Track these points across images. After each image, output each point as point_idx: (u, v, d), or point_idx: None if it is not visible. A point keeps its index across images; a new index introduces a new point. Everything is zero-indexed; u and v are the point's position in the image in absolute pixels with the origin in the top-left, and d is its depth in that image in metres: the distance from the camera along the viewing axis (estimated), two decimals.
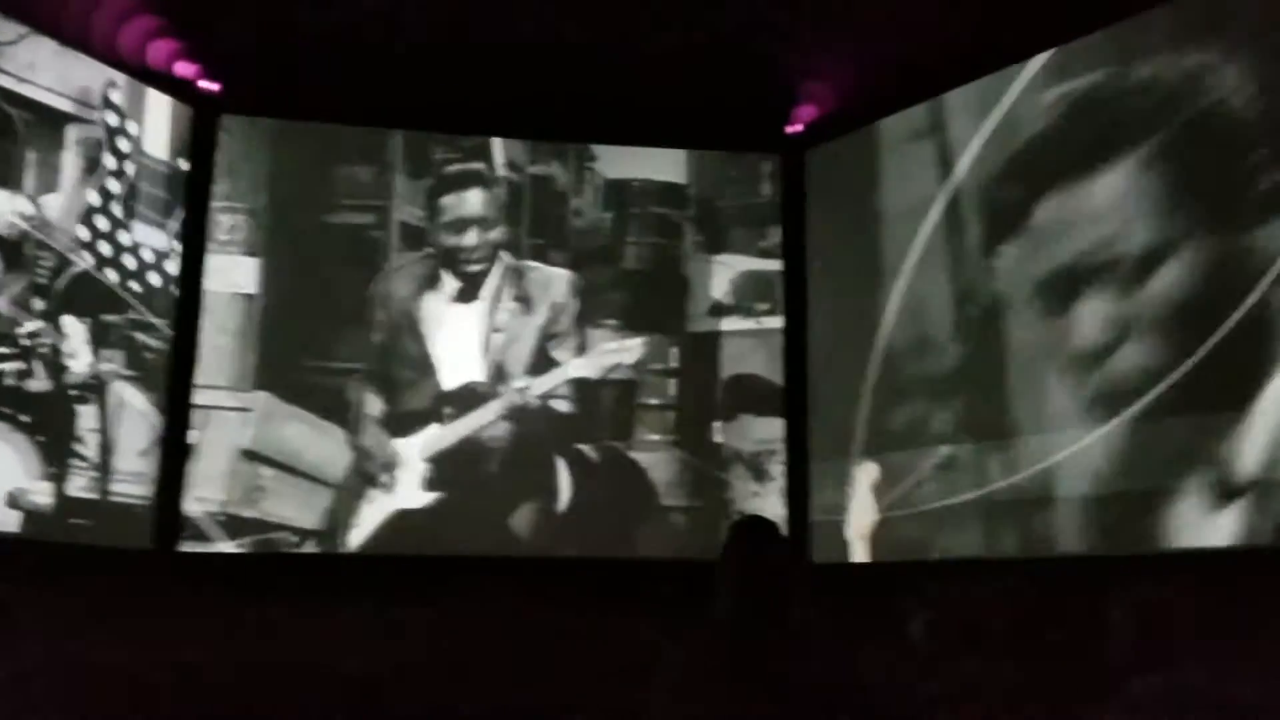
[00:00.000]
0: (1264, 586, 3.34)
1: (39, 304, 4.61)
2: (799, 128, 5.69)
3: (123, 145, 4.98)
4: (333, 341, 5.40)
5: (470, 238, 5.56)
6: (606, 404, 5.56)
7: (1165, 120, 4.17)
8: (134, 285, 4.99)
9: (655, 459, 5.52)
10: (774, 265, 5.70)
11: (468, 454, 5.40)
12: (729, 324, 5.67)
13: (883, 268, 5.22)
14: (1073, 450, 4.33)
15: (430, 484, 5.34)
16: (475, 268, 5.55)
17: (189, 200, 5.25)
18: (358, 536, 5.26)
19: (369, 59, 5.21)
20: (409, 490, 5.33)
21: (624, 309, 5.64)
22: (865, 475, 5.16)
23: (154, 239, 5.11)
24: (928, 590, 4.44)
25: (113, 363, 4.88)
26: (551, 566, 5.31)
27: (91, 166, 4.86)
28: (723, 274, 5.72)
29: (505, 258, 5.59)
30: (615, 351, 5.53)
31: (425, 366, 5.45)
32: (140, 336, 5.00)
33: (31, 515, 4.51)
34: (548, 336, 5.55)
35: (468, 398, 5.44)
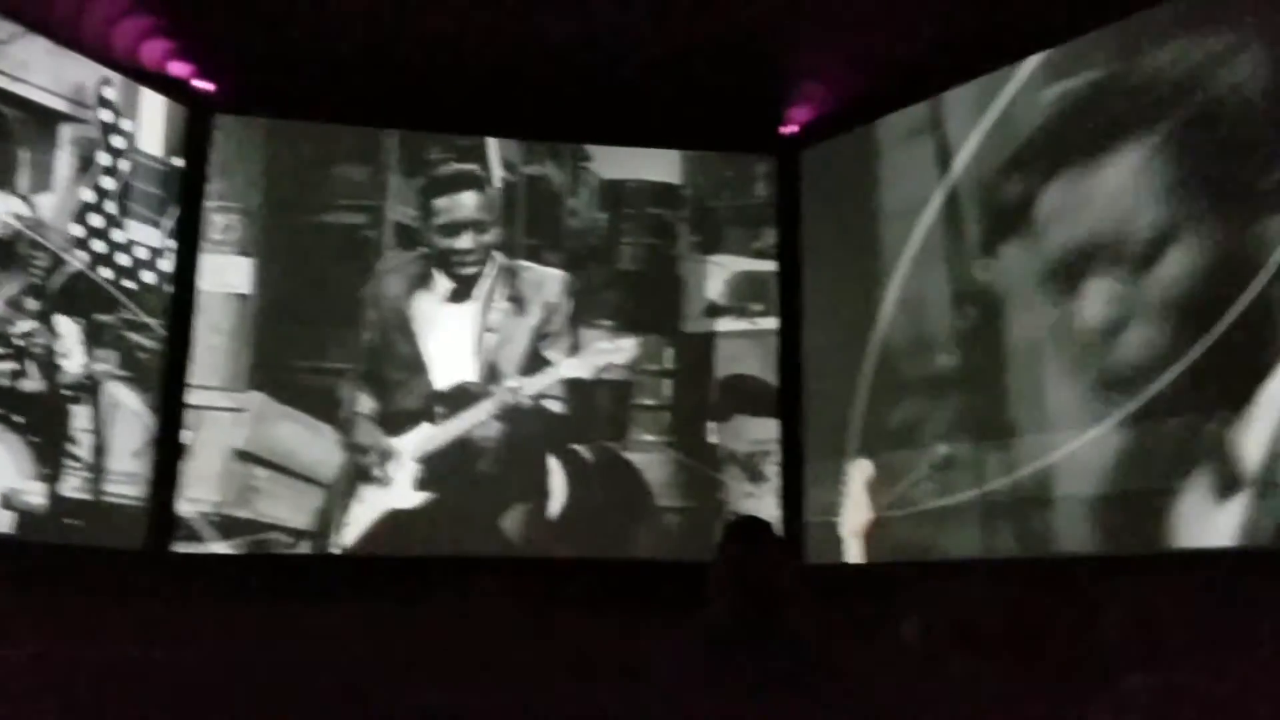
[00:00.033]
0: (1261, 587, 3.35)
1: (33, 304, 4.60)
2: (794, 129, 5.69)
3: (117, 142, 4.97)
4: (326, 342, 5.40)
5: (464, 241, 5.55)
6: (601, 404, 5.55)
7: (1167, 114, 4.16)
8: (128, 283, 4.99)
9: (650, 459, 5.52)
10: (769, 266, 5.70)
11: (461, 454, 5.39)
12: (724, 325, 5.67)
13: (878, 267, 5.23)
14: (1070, 449, 4.33)
15: (423, 484, 5.34)
16: (469, 270, 5.54)
17: (183, 200, 5.25)
18: (350, 536, 5.26)
19: (362, 59, 5.20)
20: (402, 490, 5.32)
21: (619, 309, 5.63)
22: (860, 473, 5.17)
23: (148, 236, 5.10)
24: (923, 591, 4.44)
25: (106, 363, 4.87)
26: (545, 567, 5.31)
27: (85, 165, 4.85)
28: (718, 275, 5.72)
29: (499, 258, 5.59)
30: (608, 351, 5.53)
31: (418, 366, 5.44)
32: (134, 336, 4.99)
33: (25, 515, 4.50)
34: (541, 336, 5.55)
35: (460, 397, 5.44)
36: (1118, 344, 4.21)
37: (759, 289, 5.69)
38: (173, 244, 5.19)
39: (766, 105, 5.63)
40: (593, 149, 5.74)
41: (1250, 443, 3.74)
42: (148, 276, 5.08)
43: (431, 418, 5.40)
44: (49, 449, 4.63)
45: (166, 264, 5.16)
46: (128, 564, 4.85)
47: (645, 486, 5.49)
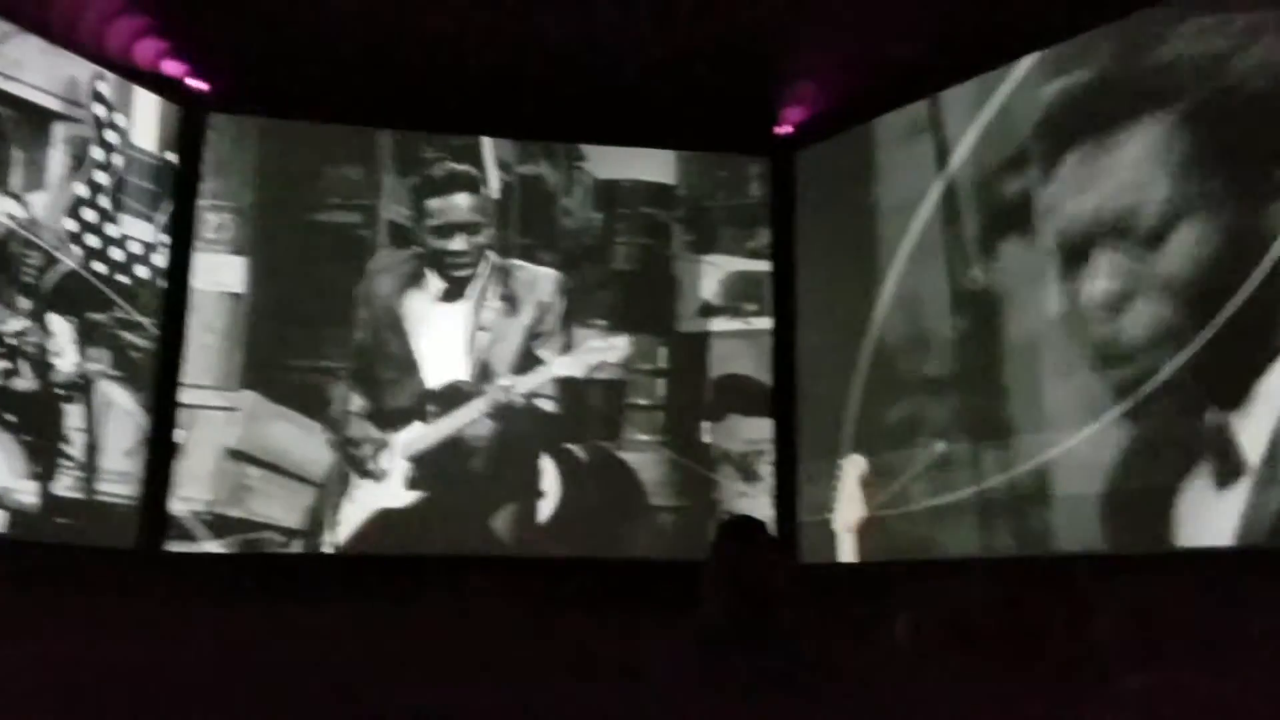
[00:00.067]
0: (1258, 586, 3.36)
1: (25, 303, 4.59)
2: (788, 129, 5.70)
3: (111, 138, 4.96)
4: (319, 341, 5.39)
5: (457, 243, 5.55)
6: (595, 404, 5.55)
7: (1175, 101, 4.16)
8: (121, 278, 4.98)
9: (644, 459, 5.52)
10: (763, 266, 5.70)
11: (454, 453, 5.39)
12: (718, 324, 5.67)
13: (873, 266, 5.23)
14: (1066, 447, 4.34)
15: (416, 483, 5.33)
16: (461, 273, 5.54)
17: (176, 199, 5.24)
18: (343, 535, 5.25)
19: (357, 58, 5.19)
20: (394, 489, 5.32)
21: (613, 309, 5.63)
22: (853, 468, 5.17)
23: (142, 231, 5.09)
24: (917, 590, 4.45)
25: (99, 362, 4.86)
26: (539, 566, 5.30)
27: (78, 164, 4.84)
28: (712, 274, 5.72)
29: (492, 257, 5.59)
30: (600, 350, 5.52)
31: (410, 365, 5.44)
32: (127, 335, 4.98)
33: (17, 515, 4.49)
34: (534, 336, 5.54)
35: (452, 396, 5.43)
36: (1114, 340, 4.22)
37: (753, 289, 5.70)
38: (166, 239, 5.18)
39: (761, 106, 5.63)
40: (587, 149, 5.74)
41: (1249, 438, 3.74)
42: (141, 271, 5.07)
43: (424, 416, 5.40)
44: (42, 448, 4.62)
45: (160, 259, 5.16)
46: (120, 563, 4.84)
47: (639, 486, 5.49)
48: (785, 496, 5.45)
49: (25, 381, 4.57)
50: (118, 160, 4.99)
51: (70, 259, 4.76)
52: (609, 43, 5.15)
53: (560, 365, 5.51)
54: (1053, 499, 4.39)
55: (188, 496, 5.09)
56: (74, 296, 4.77)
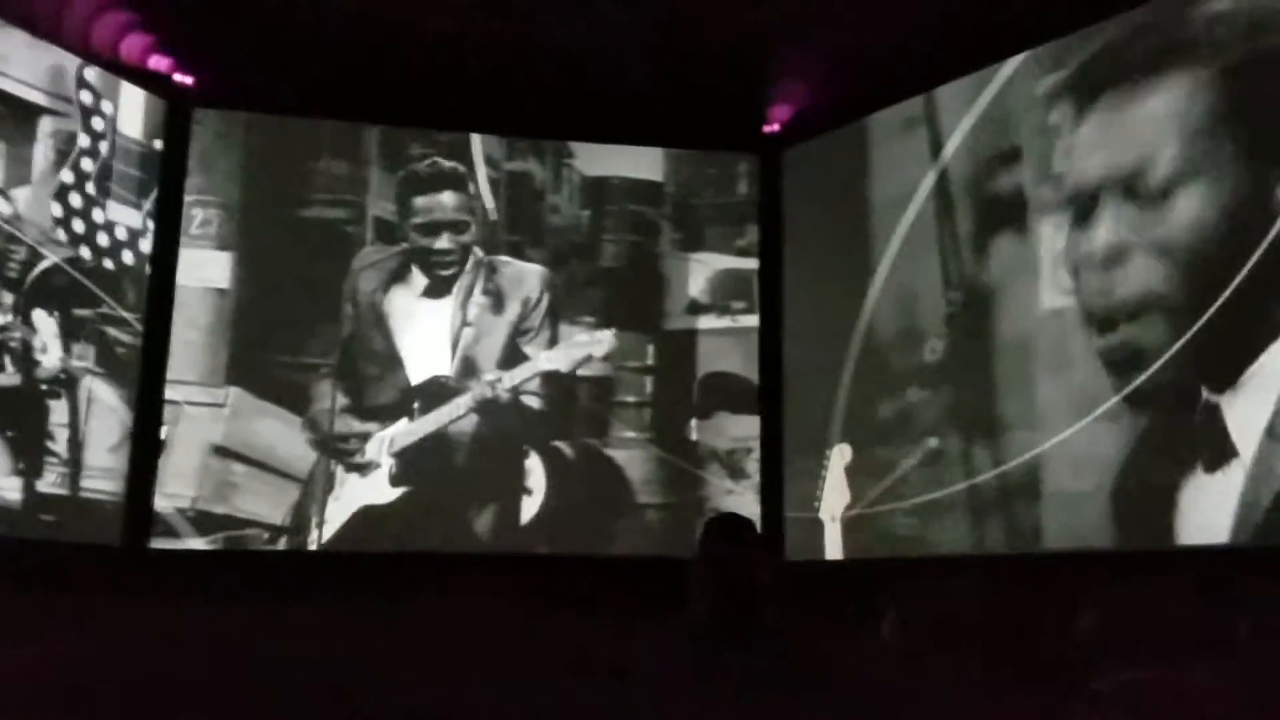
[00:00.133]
0: (1249, 585, 3.37)
1: (8, 298, 4.56)
2: (775, 127, 5.70)
3: (97, 124, 4.93)
4: (304, 337, 5.37)
5: (442, 241, 5.53)
6: (582, 401, 5.55)
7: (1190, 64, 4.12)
8: (107, 263, 4.95)
9: (631, 456, 5.51)
10: (750, 264, 5.70)
11: (440, 449, 5.38)
12: (705, 322, 5.67)
13: (861, 263, 5.23)
14: (1056, 443, 4.34)
15: (401, 479, 5.32)
16: (447, 271, 5.52)
17: (162, 193, 5.21)
18: (328, 532, 5.24)
19: (344, 53, 5.18)
20: (380, 486, 5.30)
21: (600, 306, 5.63)
22: (839, 457, 5.18)
23: (128, 218, 5.06)
24: (903, 587, 4.46)
25: (83, 358, 4.83)
26: (527, 564, 5.30)
27: (62, 158, 4.81)
28: (699, 272, 5.72)
29: (478, 252, 5.57)
30: (585, 344, 5.51)
31: (395, 361, 5.43)
32: (111, 331, 4.96)
33: (1, 512, 4.46)
34: (520, 332, 5.53)
35: (438, 392, 5.42)
36: (1109, 337, 4.22)
37: (741, 287, 5.70)
38: (152, 226, 5.15)
39: (749, 104, 5.63)
40: (576, 146, 5.73)
41: (1244, 430, 3.74)
42: (127, 257, 5.04)
43: (409, 413, 5.39)
44: (25, 444, 4.59)
45: (147, 245, 5.13)
46: (105, 560, 4.81)
47: (626, 483, 5.49)
48: (772, 494, 5.45)
49: (8, 377, 4.54)
50: (104, 147, 4.96)
51: (54, 254, 4.73)
52: (597, 41, 5.14)
53: (546, 360, 5.50)
54: (1044, 495, 4.40)
55: (172, 493, 5.07)
56: (58, 292, 4.74)
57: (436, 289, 5.51)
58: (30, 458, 4.60)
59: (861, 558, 5.06)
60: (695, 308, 5.69)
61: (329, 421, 5.31)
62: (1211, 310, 3.87)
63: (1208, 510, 3.82)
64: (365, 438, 5.33)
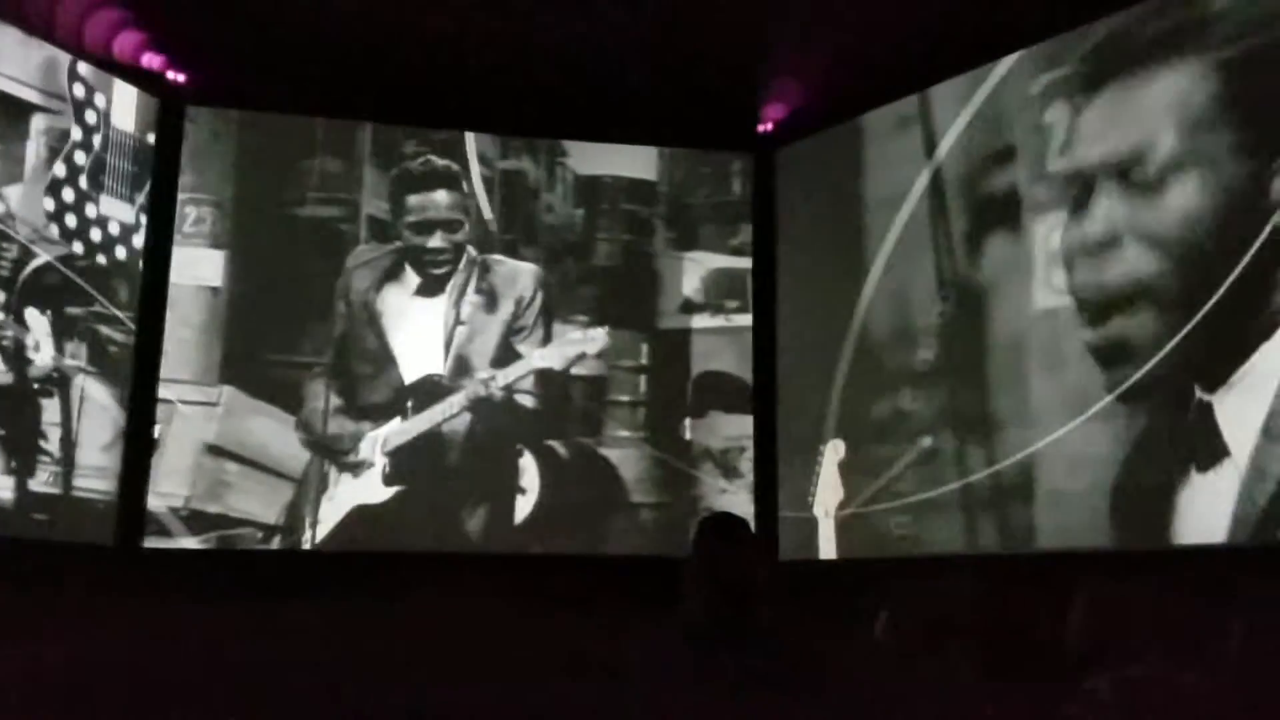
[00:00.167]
0: (1244, 583, 3.37)
1: (1, 297, 4.55)
2: (769, 126, 5.70)
3: (90, 118, 4.92)
4: (298, 336, 5.36)
5: (436, 240, 5.52)
6: (576, 400, 5.55)
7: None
8: (101, 258, 4.93)
9: (625, 455, 5.51)
10: (744, 263, 5.70)
11: (433, 448, 5.37)
12: (699, 321, 5.67)
13: (855, 262, 5.24)
14: (1051, 442, 4.34)
15: (395, 478, 5.32)
16: (440, 270, 5.52)
17: (154, 190, 5.20)
18: (322, 532, 5.23)
19: (338, 51, 5.17)
20: (373, 485, 5.30)
21: (594, 305, 5.63)
22: (833, 453, 5.19)
23: (121, 212, 5.04)
24: (897, 586, 4.46)
25: (76, 356, 4.82)
26: (522, 563, 5.30)
27: (54, 156, 4.79)
28: (693, 271, 5.72)
29: (471, 251, 5.57)
30: (579, 342, 5.51)
31: (388, 360, 5.42)
32: (104, 330, 4.95)
33: None
34: (513, 331, 5.53)
35: (431, 390, 5.41)
36: (1102, 331, 4.22)
37: (734, 286, 5.70)
38: (145, 220, 5.14)
39: (743, 103, 5.63)
40: (569, 145, 5.73)
41: (1238, 430, 3.75)
42: (120, 253, 5.02)
43: (403, 412, 5.38)
44: (18, 443, 4.58)
45: (140, 241, 5.12)
46: (98, 559, 4.80)
47: (620, 482, 5.49)
48: (766, 493, 5.45)
49: (1, 376, 4.53)
50: (97, 140, 4.94)
51: (47, 252, 4.72)
52: (593, 40, 5.14)
53: (539, 358, 5.50)
54: (1037, 494, 4.40)
55: (165, 492, 5.06)
56: (50, 290, 4.73)
57: (430, 287, 5.51)
58: (23, 457, 4.59)
59: (855, 557, 5.06)
60: (689, 307, 5.69)
61: (322, 420, 5.30)
62: (1205, 309, 3.88)
63: (1202, 509, 3.83)
64: (358, 437, 5.32)
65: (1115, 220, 4.19)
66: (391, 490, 5.31)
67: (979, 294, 4.75)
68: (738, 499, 5.44)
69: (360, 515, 5.26)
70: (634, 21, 5.06)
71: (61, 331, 4.76)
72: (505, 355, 5.49)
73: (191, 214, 5.29)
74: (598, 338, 5.53)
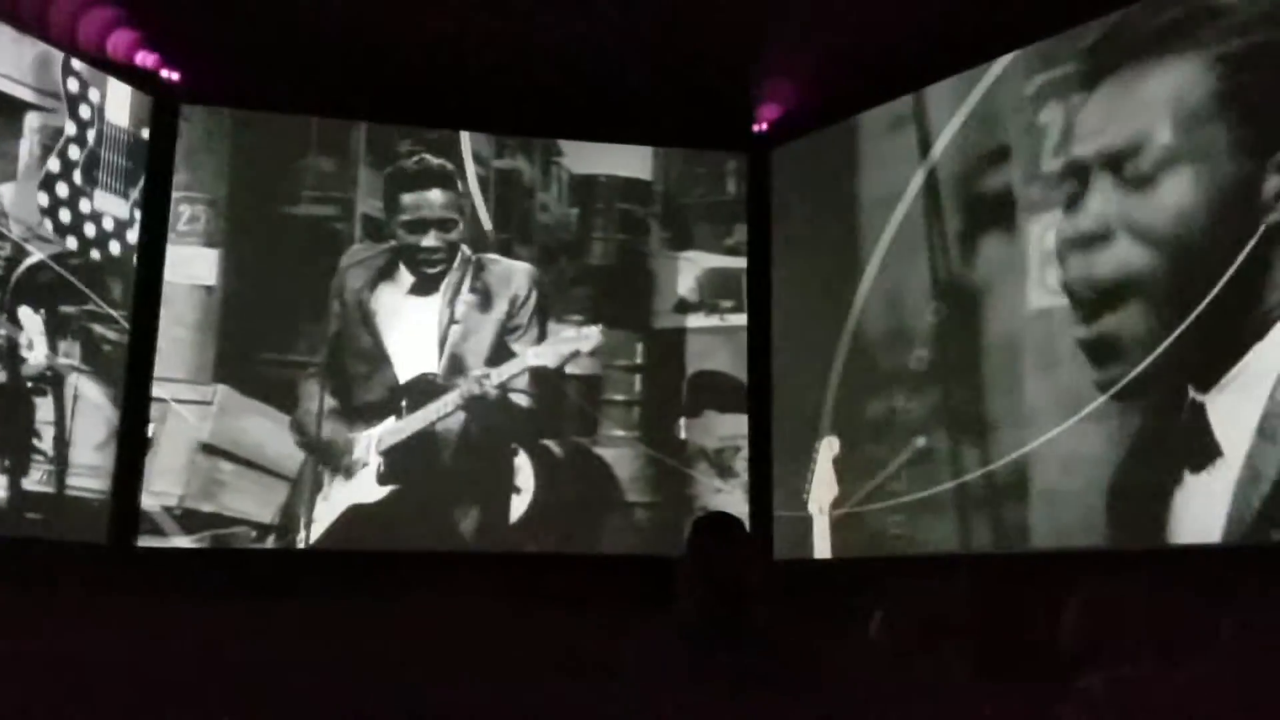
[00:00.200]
0: (1240, 584, 3.38)
1: None
2: (764, 126, 5.70)
3: (84, 113, 4.91)
4: (292, 335, 5.36)
5: (430, 239, 5.52)
6: (571, 399, 5.54)
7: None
8: (94, 254, 4.92)
9: (620, 454, 5.51)
10: (739, 263, 5.70)
11: (427, 447, 5.37)
12: (694, 320, 5.67)
13: (850, 262, 5.24)
14: (1045, 442, 4.35)
15: (389, 478, 5.31)
16: (434, 269, 5.51)
17: (149, 188, 5.18)
18: (316, 531, 5.22)
19: (332, 50, 5.16)
20: (368, 484, 5.29)
21: (589, 304, 5.62)
22: (827, 449, 5.19)
23: (115, 207, 5.03)
24: (892, 586, 4.46)
25: (70, 355, 4.80)
26: (514, 562, 5.29)
27: (47, 154, 4.78)
28: (688, 271, 5.72)
29: (465, 250, 5.56)
30: (573, 339, 5.51)
31: (382, 359, 5.41)
32: (98, 328, 4.93)
33: None
34: (508, 330, 5.53)
35: (426, 390, 5.41)
36: (1094, 327, 4.23)
37: (729, 285, 5.70)
38: (140, 215, 5.13)
39: (738, 103, 5.63)
40: (564, 144, 5.73)
41: (1232, 429, 3.75)
42: (114, 248, 5.01)
43: (397, 411, 5.37)
44: (11, 442, 4.57)
45: (134, 236, 5.10)
46: (92, 558, 4.79)
47: (615, 482, 5.49)
48: (761, 493, 5.45)
49: None
50: (91, 135, 4.93)
51: (41, 251, 4.71)
52: (587, 39, 5.14)
53: (533, 355, 5.49)
54: (1031, 494, 4.40)
55: (159, 491, 5.05)
56: (44, 288, 4.72)
57: (424, 286, 5.50)
58: (16, 455, 4.58)
59: (850, 557, 5.07)
60: (684, 306, 5.69)
61: (316, 419, 5.29)
62: (1198, 309, 3.88)
63: (1196, 509, 3.83)
64: (353, 436, 5.32)
65: (1110, 217, 4.19)
66: (386, 489, 5.30)
67: (973, 294, 4.75)
68: (732, 498, 5.44)
69: (355, 514, 5.25)
70: (629, 22, 5.06)
71: (55, 330, 4.75)
72: (500, 354, 5.49)
73: (186, 212, 5.28)
74: (591, 335, 5.53)
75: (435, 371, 5.43)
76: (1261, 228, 3.74)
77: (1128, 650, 1.89)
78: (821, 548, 5.17)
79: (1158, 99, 4.11)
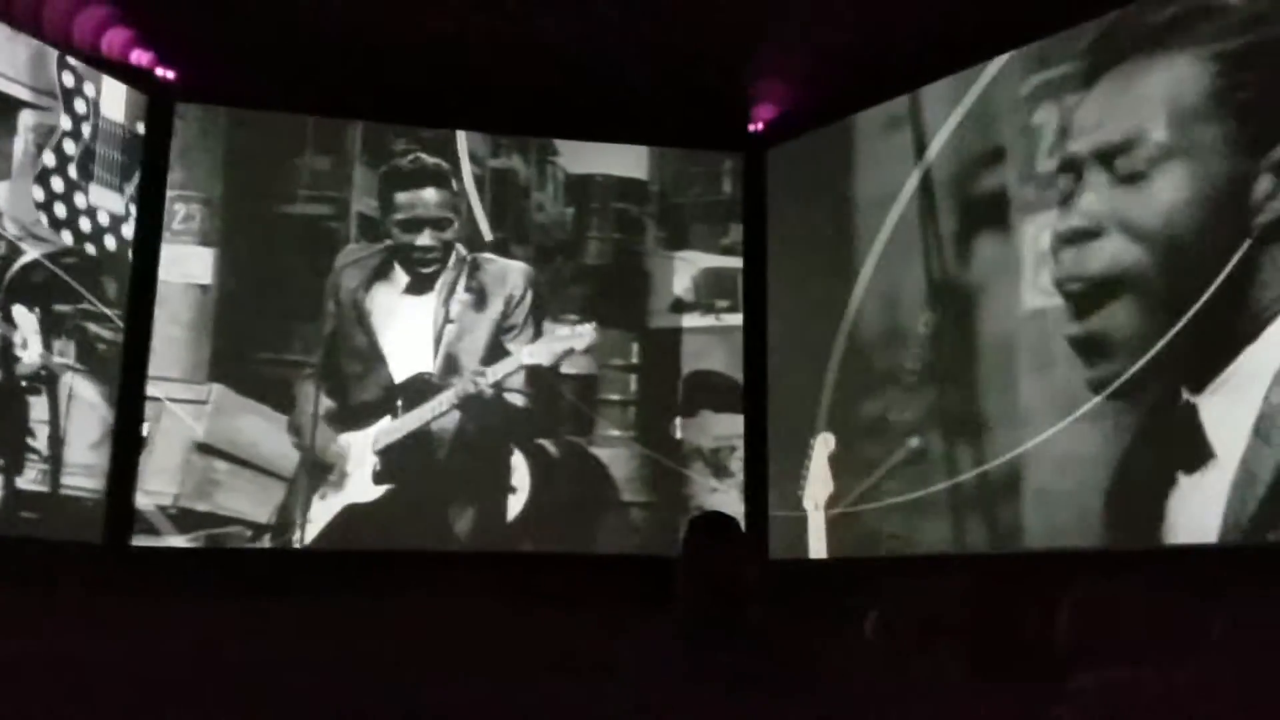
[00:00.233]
0: (1235, 584, 3.38)
1: None
2: (760, 126, 5.70)
3: (79, 106, 4.90)
4: (288, 334, 5.35)
5: (424, 238, 5.52)
6: (567, 398, 5.54)
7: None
8: (89, 249, 4.91)
9: (615, 454, 5.51)
10: (735, 262, 5.71)
11: (423, 447, 5.36)
12: (690, 320, 5.68)
13: (846, 262, 5.24)
14: (1040, 442, 4.35)
15: (385, 477, 5.31)
16: (429, 268, 5.51)
17: (143, 186, 5.18)
18: (312, 531, 5.22)
19: (328, 49, 5.15)
20: (363, 484, 5.29)
21: (584, 304, 5.62)
22: (823, 446, 5.20)
23: (110, 202, 5.02)
24: (887, 585, 4.47)
25: (64, 354, 4.80)
26: (510, 561, 5.29)
27: (41, 151, 4.77)
28: (684, 270, 5.72)
29: (460, 249, 5.56)
30: (567, 337, 5.51)
31: (377, 358, 5.41)
32: (92, 327, 4.93)
33: None
34: (503, 329, 5.53)
35: (421, 389, 5.41)
36: (1089, 332, 4.23)
37: (725, 285, 5.70)
38: (135, 210, 5.12)
39: (734, 103, 5.64)
40: (560, 143, 5.73)
41: (1219, 432, 3.76)
42: (109, 243, 5.00)
43: (393, 410, 5.37)
44: (5, 441, 4.56)
45: (129, 231, 5.10)
46: (87, 558, 4.78)
47: (610, 481, 5.49)
48: (756, 492, 5.46)
49: None
50: (86, 129, 4.92)
51: (35, 249, 4.70)
52: (583, 39, 5.14)
53: (528, 354, 5.49)
54: (1026, 494, 4.41)
55: (154, 490, 5.04)
56: (38, 287, 4.71)
57: (419, 286, 5.50)
58: (10, 455, 4.57)
59: (845, 556, 5.07)
60: (679, 306, 5.69)
61: (312, 419, 5.29)
62: (1192, 310, 3.89)
63: (1191, 510, 3.84)
64: (348, 435, 5.31)
65: (1103, 213, 4.20)
66: (382, 489, 5.30)
67: (968, 294, 4.76)
68: (728, 498, 5.45)
69: (350, 514, 5.25)
70: (625, 21, 5.06)
71: (49, 329, 4.74)
72: (495, 353, 5.49)
73: (181, 211, 5.27)
74: (586, 333, 5.53)
75: (430, 371, 5.43)
76: (1255, 228, 3.75)
77: (1123, 650, 1.90)
78: (817, 547, 5.17)
79: (1153, 96, 4.11)
